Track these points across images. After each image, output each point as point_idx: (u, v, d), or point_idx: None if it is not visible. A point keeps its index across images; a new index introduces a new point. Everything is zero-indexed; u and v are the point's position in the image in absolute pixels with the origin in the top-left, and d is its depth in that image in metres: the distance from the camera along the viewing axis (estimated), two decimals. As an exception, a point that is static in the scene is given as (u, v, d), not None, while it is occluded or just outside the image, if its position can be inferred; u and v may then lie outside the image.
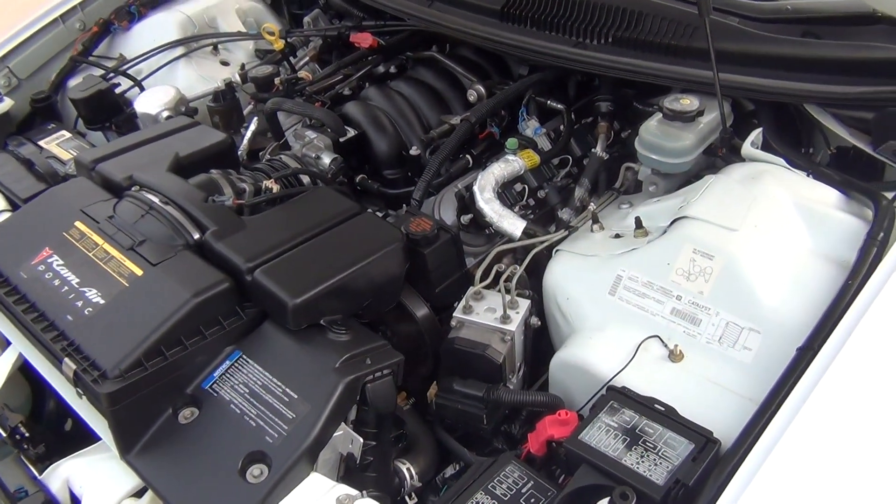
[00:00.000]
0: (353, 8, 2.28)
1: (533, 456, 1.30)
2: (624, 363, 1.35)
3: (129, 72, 2.26)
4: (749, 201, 1.42)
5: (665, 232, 1.46)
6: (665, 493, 1.10)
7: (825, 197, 1.47)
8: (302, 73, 2.10)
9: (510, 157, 1.74)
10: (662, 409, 1.23)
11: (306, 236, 1.49)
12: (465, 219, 1.72)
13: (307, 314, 1.37)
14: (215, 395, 1.35)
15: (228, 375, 1.37)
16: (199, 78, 2.24)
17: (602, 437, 1.20)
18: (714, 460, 1.14)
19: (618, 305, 1.43)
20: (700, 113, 1.60)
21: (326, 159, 1.76)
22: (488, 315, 1.50)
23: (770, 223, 1.39)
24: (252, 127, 2.05)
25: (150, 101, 2.10)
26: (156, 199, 1.55)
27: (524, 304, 1.51)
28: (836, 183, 1.48)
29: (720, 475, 1.09)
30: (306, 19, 2.40)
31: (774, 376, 1.24)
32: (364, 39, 2.05)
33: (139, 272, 1.43)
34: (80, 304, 1.41)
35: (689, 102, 1.60)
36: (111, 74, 2.24)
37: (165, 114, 2.06)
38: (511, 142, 1.75)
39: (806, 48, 1.62)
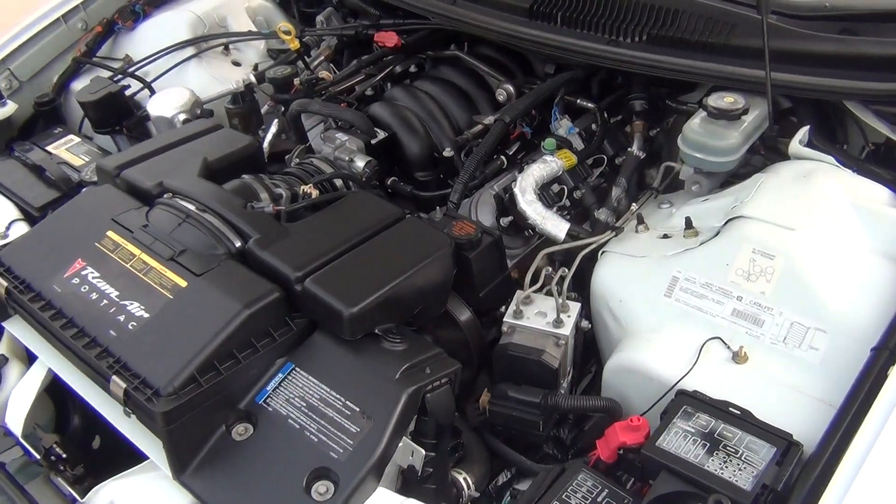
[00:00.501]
0: (370, 6, 2.23)
1: (601, 463, 1.28)
2: (685, 366, 1.33)
3: (138, 73, 2.19)
4: (805, 200, 1.42)
5: (719, 232, 1.44)
6: (754, 500, 1.09)
7: (876, 194, 1.46)
8: (322, 73, 2.04)
9: (548, 158, 1.72)
10: (738, 412, 1.21)
11: (353, 243, 1.45)
12: (505, 221, 1.69)
13: (363, 324, 1.33)
14: (270, 409, 1.31)
15: (283, 389, 1.33)
16: (211, 79, 2.17)
17: (680, 442, 1.18)
18: (799, 465, 1.13)
19: (675, 307, 1.42)
20: (745, 111, 1.59)
21: (360, 162, 1.72)
22: (539, 319, 1.48)
23: (828, 222, 1.39)
24: (273, 129, 1.99)
25: (165, 104, 2.03)
26: (192, 207, 1.50)
27: (575, 307, 1.49)
28: (886, 180, 1.48)
29: (807, 480, 1.08)
30: (319, 18, 2.35)
31: (845, 376, 1.24)
32: (389, 38, 2.01)
33: (183, 283, 1.37)
34: (122, 318, 1.35)
35: (733, 100, 1.59)
36: (119, 76, 2.16)
37: (182, 116, 2.00)
38: (549, 142, 1.72)
39: (846, 45, 1.62)
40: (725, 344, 1.34)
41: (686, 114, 1.88)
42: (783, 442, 1.15)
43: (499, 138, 1.75)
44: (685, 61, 1.72)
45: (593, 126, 1.89)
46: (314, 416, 1.28)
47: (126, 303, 1.37)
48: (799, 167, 1.50)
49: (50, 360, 1.48)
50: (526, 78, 1.99)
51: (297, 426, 1.27)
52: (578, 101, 1.91)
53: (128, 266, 1.43)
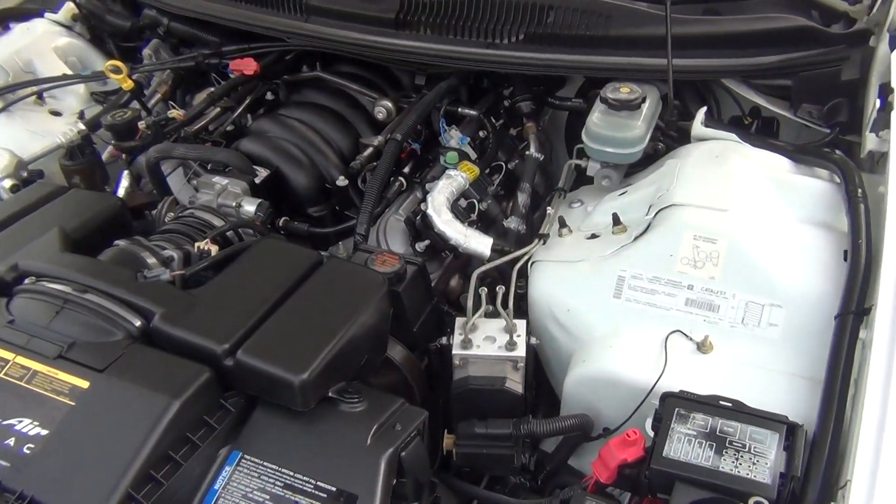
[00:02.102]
0: (204, 33, 2.01)
1: (600, 485, 1.20)
2: (652, 366, 1.29)
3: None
4: (727, 180, 1.43)
5: (650, 224, 1.42)
6: (778, 492, 1.06)
7: (780, 164, 1.51)
8: (172, 112, 1.80)
9: (452, 172, 1.62)
10: (729, 404, 1.18)
11: (275, 299, 1.26)
12: (421, 246, 1.58)
13: (316, 389, 1.16)
14: (226, 512, 1.10)
15: (233, 485, 1.12)
16: (30, 134, 1.85)
17: (686, 448, 1.12)
18: (807, 446, 1.11)
19: (627, 307, 1.37)
20: (644, 99, 1.58)
21: (250, 206, 1.52)
22: (489, 345, 1.38)
23: (754, 198, 1.41)
24: (124, 183, 1.73)
25: (-26, 170, 1.70)
26: (67, 289, 1.24)
27: (521, 324, 1.40)
28: (787, 151, 1.53)
29: (820, 459, 1.07)
30: (146, 51, 2.08)
31: (809, 347, 1.27)
32: (247, 65, 1.80)
33: (84, 384, 1.13)
34: (11, 442, 1.08)
35: (629, 90, 1.58)
36: None
37: (7, 183, 1.68)
38: (451, 155, 1.62)
39: (716, 25, 1.67)
40: (687, 336, 1.32)
41: (569, 110, 1.87)
42: (782, 426, 1.13)
43: (394, 159, 1.63)
44: (567, 56, 1.69)
45: (480, 133, 1.81)
46: (281, 508, 1.09)
47: (11, 422, 1.10)
48: (707, 148, 1.52)
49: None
50: (399, 93, 1.88)
51: (267, 525, 1.08)
52: (460, 109, 1.83)
53: (1, 375, 1.15)
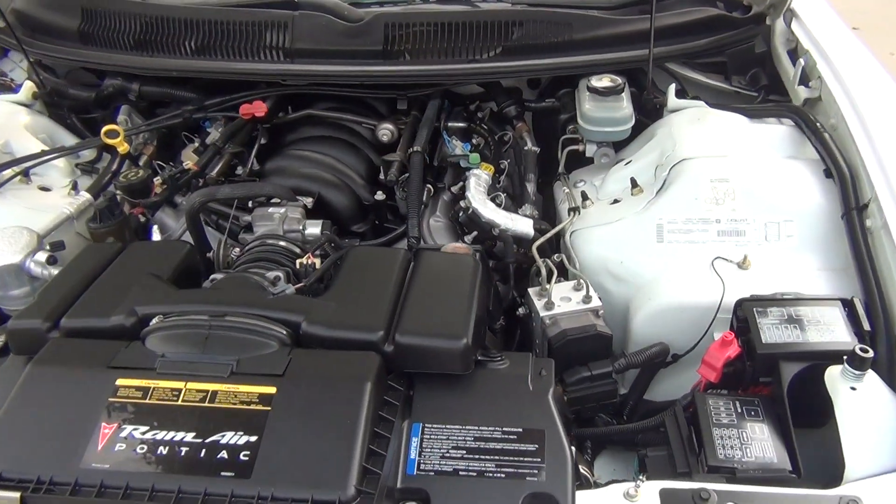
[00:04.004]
0: (178, 90, 2.06)
1: (710, 386, 1.42)
2: (707, 288, 1.54)
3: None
4: (716, 134, 1.73)
5: (667, 180, 1.68)
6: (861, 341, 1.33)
7: (742, 120, 1.84)
8: (188, 163, 1.84)
9: (477, 171, 1.81)
10: (790, 296, 1.45)
11: (396, 289, 1.39)
12: (469, 238, 1.74)
13: (472, 353, 1.29)
14: (430, 474, 1.20)
15: (427, 451, 1.22)
16: (29, 211, 1.80)
17: (776, 333, 1.37)
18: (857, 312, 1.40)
19: (670, 248, 1.62)
20: (625, 85, 1.87)
21: (314, 228, 1.62)
22: (567, 303, 1.57)
23: (742, 144, 1.72)
24: (156, 236, 1.75)
25: (0, 252, 1.65)
26: (204, 317, 1.29)
27: (584, 282, 1.61)
28: (743, 110, 1.87)
29: (879, 322, 1.37)
30: (121, 118, 2.08)
31: (825, 245, 1.58)
32: (258, 108, 1.88)
33: (271, 389, 1.19)
34: (225, 455, 1.12)
35: (611, 79, 1.86)
36: None
37: (42, 256, 1.65)
38: (474, 157, 1.82)
39: (656, 21, 1.99)
40: (727, 259, 1.58)
41: (544, 109, 2.12)
42: (837, 302, 1.42)
43: (423, 169, 1.79)
44: (541, 61, 1.95)
45: (473, 140, 2.01)
46: (482, 457, 1.21)
47: (214, 438, 1.14)
48: (688, 115, 1.83)
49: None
50: (398, 114, 2.04)
51: (474, 474, 1.19)
52: (450, 123, 2.03)
53: (180, 403, 1.19)
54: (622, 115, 1.84)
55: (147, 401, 1.19)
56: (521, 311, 1.61)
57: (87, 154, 2.05)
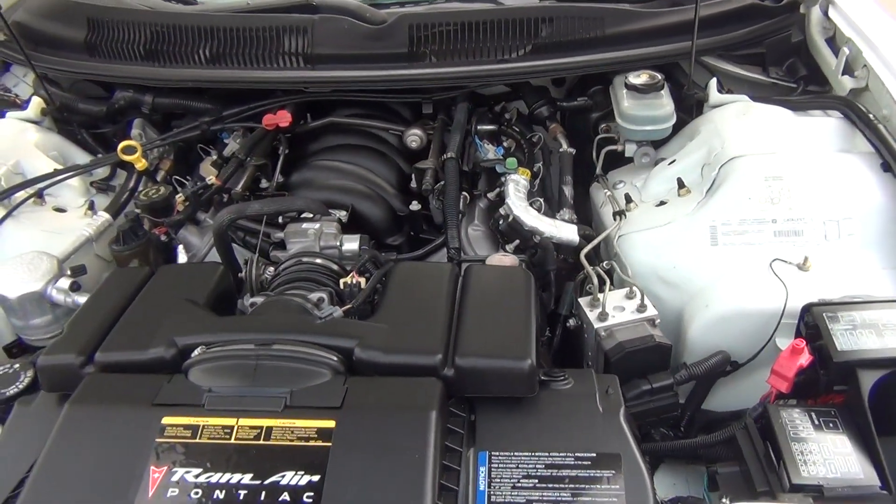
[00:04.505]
0: (192, 101, 1.97)
1: (782, 396, 1.35)
2: (767, 293, 1.47)
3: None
4: (765, 129, 1.66)
5: (717, 179, 1.61)
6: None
7: (788, 114, 1.77)
8: (210, 178, 1.76)
9: (514, 177, 1.73)
10: (860, 299, 1.38)
11: (449, 307, 1.31)
12: (510, 247, 1.66)
13: (536, 374, 1.22)
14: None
15: (495, 480, 1.15)
16: (46, 234, 1.72)
17: (851, 339, 1.30)
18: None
19: (725, 251, 1.55)
20: (665, 81, 1.79)
21: (352, 244, 1.54)
22: (621, 313, 1.49)
23: (792, 139, 1.65)
24: (182, 257, 1.67)
25: (20, 280, 1.57)
26: (250, 346, 1.21)
27: (637, 290, 1.53)
28: (787, 103, 1.79)
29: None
30: (135, 132, 2.00)
31: (886, 244, 1.50)
32: (282, 118, 1.80)
33: (330, 423, 1.11)
34: (287, 497, 1.04)
35: (649, 76, 1.79)
36: None
37: (65, 283, 1.56)
38: (511, 161, 1.74)
39: (688, 14, 1.92)
40: (786, 261, 1.51)
41: (577, 108, 2.04)
42: (909, 304, 1.36)
43: (458, 176, 1.71)
44: (572, 59, 1.87)
45: (504, 144, 1.94)
46: (556, 485, 1.13)
47: (274, 479, 1.06)
48: (733, 110, 1.75)
49: None
50: (425, 119, 1.96)
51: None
52: (479, 126, 1.95)
53: (233, 441, 1.11)
54: (663, 112, 1.76)
55: (197, 440, 1.11)
56: (571, 322, 1.53)
57: (101, 171, 1.97)
